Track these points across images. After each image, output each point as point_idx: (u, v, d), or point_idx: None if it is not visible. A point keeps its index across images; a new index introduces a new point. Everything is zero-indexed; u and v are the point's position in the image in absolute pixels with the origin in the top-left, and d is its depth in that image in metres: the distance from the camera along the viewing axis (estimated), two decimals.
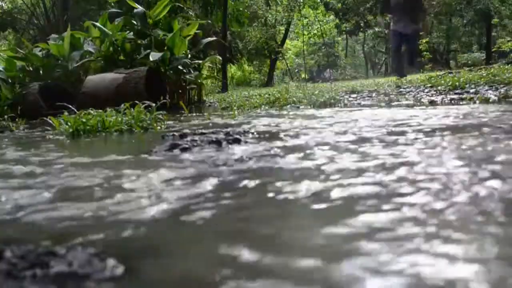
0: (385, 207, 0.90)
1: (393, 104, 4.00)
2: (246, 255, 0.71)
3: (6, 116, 5.04)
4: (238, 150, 1.75)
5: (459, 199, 0.91)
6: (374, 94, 5.22)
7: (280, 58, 25.18)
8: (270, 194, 1.07)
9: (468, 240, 0.70)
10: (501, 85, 4.70)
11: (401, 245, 0.69)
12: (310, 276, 0.62)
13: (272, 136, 2.18)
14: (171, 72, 6.76)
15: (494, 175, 1.09)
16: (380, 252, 0.67)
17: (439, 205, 0.88)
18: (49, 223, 0.96)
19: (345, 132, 2.11)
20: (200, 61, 7.69)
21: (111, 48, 6.75)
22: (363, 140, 1.80)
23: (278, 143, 1.88)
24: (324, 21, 27.72)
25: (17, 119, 4.85)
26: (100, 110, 3.27)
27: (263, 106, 5.04)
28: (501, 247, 0.67)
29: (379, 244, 0.70)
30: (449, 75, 6.94)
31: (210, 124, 3.26)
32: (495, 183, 1.01)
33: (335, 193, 1.03)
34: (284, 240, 0.78)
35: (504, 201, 0.89)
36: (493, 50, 21.41)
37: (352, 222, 0.82)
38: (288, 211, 0.97)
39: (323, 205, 0.95)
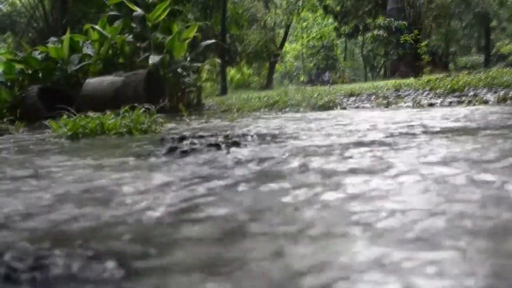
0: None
1: (392, 107, 4.00)
2: (245, 258, 0.71)
3: (5, 119, 5.04)
4: (237, 153, 1.75)
5: None
6: (373, 97, 5.23)
7: (279, 61, 25.21)
8: (269, 198, 1.07)
9: None
10: (500, 88, 4.71)
11: None
12: None
13: (271, 138, 2.18)
14: (170, 75, 6.76)
15: None
16: None
17: None
18: (49, 226, 0.96)
19: (345, 135, 2.11)
20: (199, 64, 7.69)
21: (110, 51, 6.76)
22: (363, 143, 1.80)
23: (278, 146, 1.88)
24: (323, 24, 27.75)
25: (16, 122, 4.85)
26: (99, 113, 3.27)
27: (262, 109, 5.05)
28: None
29: None
30: (448, 78, 6.95)
31: (209, 127, 3.26)
32: None
33: (328, 196, 1.03)
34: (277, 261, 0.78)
35: None
36: (492, 53, 21.45)
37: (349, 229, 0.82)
38: (286, 217, 0.96)
39: (318, 209, 0.95)
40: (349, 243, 0.72)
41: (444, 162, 1.30)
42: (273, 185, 1.17)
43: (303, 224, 0.85)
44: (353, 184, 1.12)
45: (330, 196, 1.03)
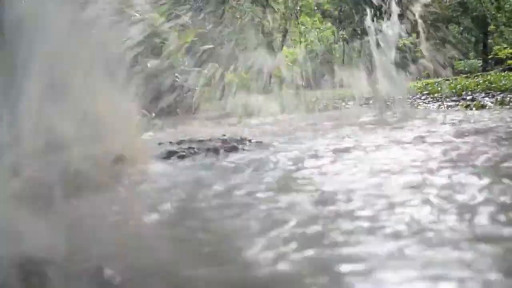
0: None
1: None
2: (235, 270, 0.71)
3: None
4: (235, 158, 1.75)
5: None
6: (371, 101, 5.23)
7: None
8: (265, 205, 1.07)
9: None
10: (498, 92, 4.72)
11: None
12: None
13: (270, 143, 2.18)
14: (169, 79, 6.75)
15: None
16: None
17: None
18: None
19: (344, 138, 2.11)
20: (198, 69, 7.67)
21: None
22: (365, 147, 1.81)
23: (276, 151, 1.88)
24: (321, 28, 27.79)
25: None
26: None
27: (261, 113, 5.03)
28: None
29: None
30: (446, 82, 6.96)
31: (208, 132, 3.26)
32: None
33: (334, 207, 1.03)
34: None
35: None
36: (489, 57, 21.47)
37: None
38: (282, 223, 0.97)
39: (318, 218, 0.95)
40: None
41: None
42: (270, 191, 1.17)
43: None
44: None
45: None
